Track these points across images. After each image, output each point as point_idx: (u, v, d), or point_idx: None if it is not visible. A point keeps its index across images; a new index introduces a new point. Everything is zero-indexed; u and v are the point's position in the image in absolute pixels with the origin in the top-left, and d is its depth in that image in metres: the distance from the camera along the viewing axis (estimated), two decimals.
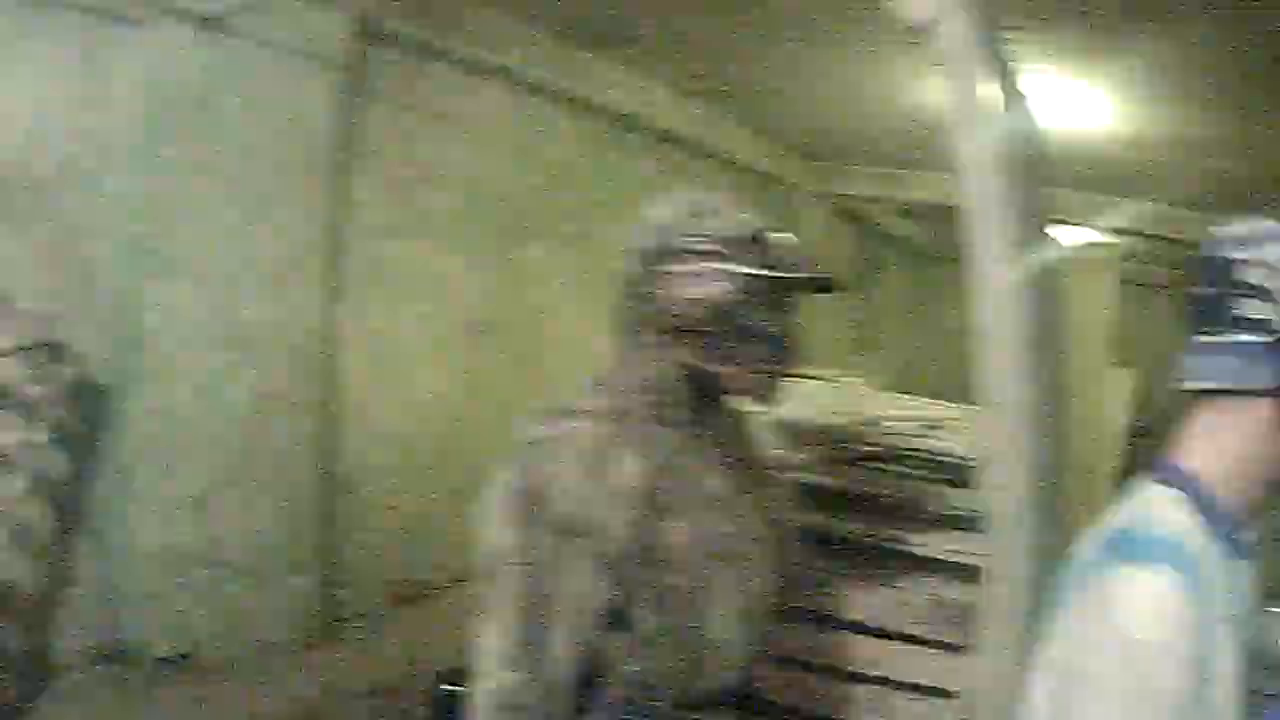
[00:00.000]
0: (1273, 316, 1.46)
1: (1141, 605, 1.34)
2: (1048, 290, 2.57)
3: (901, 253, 11.66)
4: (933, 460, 2.79)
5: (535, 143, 5.72)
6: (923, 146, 6.69)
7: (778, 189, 8.03)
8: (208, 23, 3.99)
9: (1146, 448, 7.69)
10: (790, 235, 1.96)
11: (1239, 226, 1.56)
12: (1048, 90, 5.10)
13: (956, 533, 2.63)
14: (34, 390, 1.80)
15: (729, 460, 1.96)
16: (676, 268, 1.85)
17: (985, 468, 2.53)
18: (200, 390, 4.10)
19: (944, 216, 9.55)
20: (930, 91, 5.56)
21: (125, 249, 3.99)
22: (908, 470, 2.80)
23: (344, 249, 4.58)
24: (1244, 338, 1.47)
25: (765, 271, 1.83)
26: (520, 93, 5.51)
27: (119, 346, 3.93)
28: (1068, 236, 8.05)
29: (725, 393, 1.93)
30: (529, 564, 1.72)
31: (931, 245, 11.69)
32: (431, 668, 2.13)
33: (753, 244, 1.86)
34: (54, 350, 3.75)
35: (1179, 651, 1.30)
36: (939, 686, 2.51)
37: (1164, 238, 8.39)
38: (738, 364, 1.86)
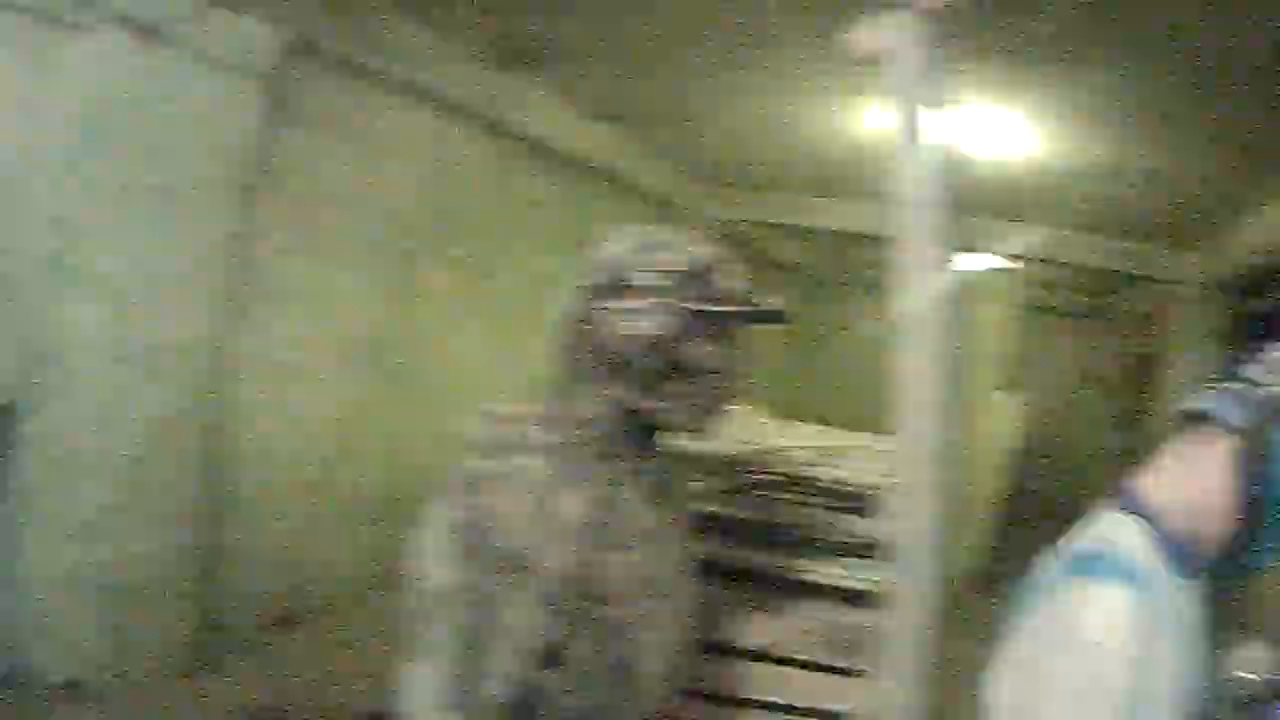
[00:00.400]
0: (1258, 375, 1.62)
1: (1097, 616, 1.50)
2: (950, 316, 2.60)
3: (789, 279, 11.67)
4: (829, 488, 2.80)
5: (443, 163, 5.64)
6: (823, 173, 6.80)
7: (671, 212, 8.02)
8: (145, 31, 3.85)
9: (1030, 471, 7.86)
10: (738, 267, 1.96)
11: None
12: (968, 118, 5.17)
13: (851, 559, 2.64)
14: None
15: (659, 493, 1.97)
16: (615, 303, 1.87)
17: (887, 494, 2.56)
18: (102, 409, 3.97)
19: (836, 243, 9.67)
20: (836, 119, 5.70)
21: (39, 262, 3.83)
22: (803, 498, 2.80)
23: (247, 266, 4.46)
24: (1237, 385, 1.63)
25: (708, 305, 1.84)
26: (436, 112, 5.42)
27: (25, 364, 3.82)
28: (969, 262, 8.19)
29: (661, 428, 1.94)
30: (469, 600, 1.75)
31: (820, 272, 11.82)
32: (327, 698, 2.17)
33: (698, 278, 1.87)
34: None
35: (1128, 655, 1.47)
36: (834, 710, 2.51)
37: (1064, 263, 8.61)
38: (674, 399, 1.87)
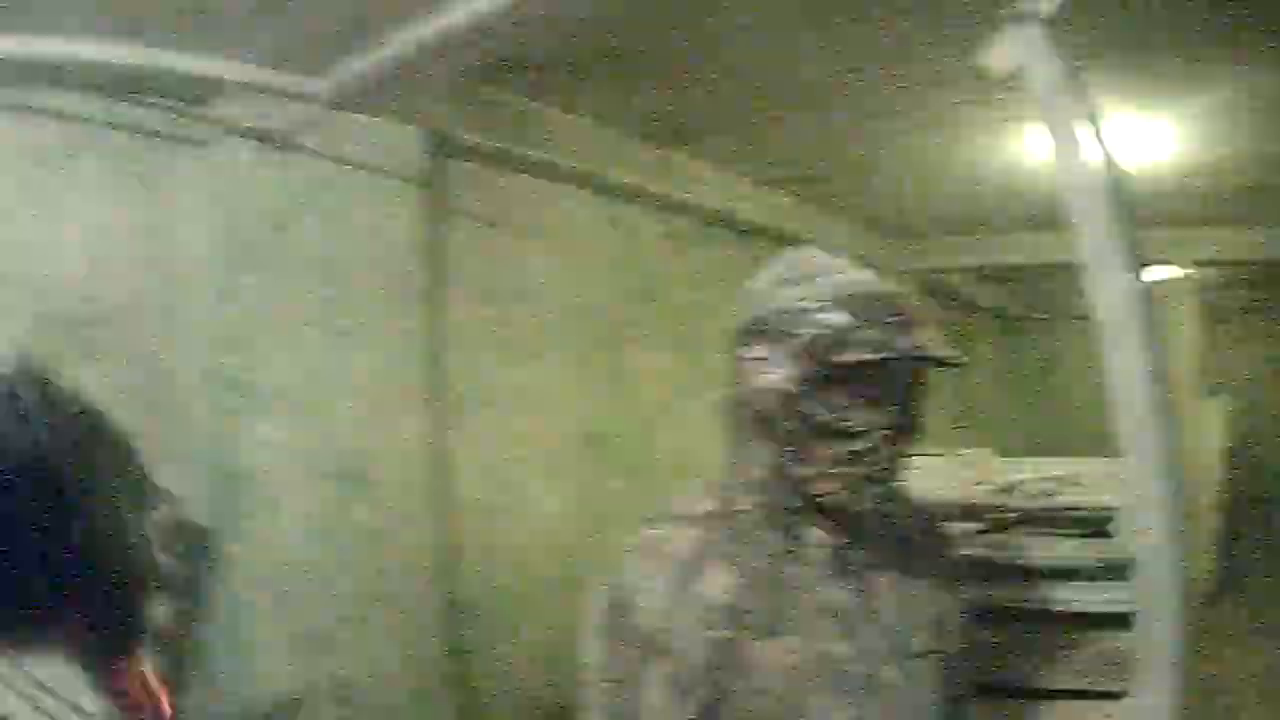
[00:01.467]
0: None
1: None
2: (1152, 329, 2.55)
3: (986, 319, 11.45)
4: (1073, 515, 2.76)
5: (623, 246, 5.69)
6: (1003, 208, 6.65)
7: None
8: (273, 141, 3.90)
9: (1245, 476, 7.57)
10: (902, 294, 1.64)
11: None
12: (1119, 127, 5.07)
13: (1106, 583, 2.60)
14: None
15: (858, 565, 1.66)
16: (748, 350, 1.64)
17: (1127, 515, 2.51)
18: (308, 525, 3.98)
19: (1030, 277, 9.36)
20: (1009, 152, 5.56)
21: (211, 382, 3.88)
22: (1048, 528, 2.78)
23: (443, 370, 4.52)
24: None
25: (852, 354, 1.51)
26: (602, 196, 5.48)
27: (218, 485, 3.85)
28: (1150, 273, 7.98)
29: (815, 498, 1.62)
30: (610, 680, 1.61)
31: (1015, 308, 11.58)
32: None
33: (835, 317, 1.55)
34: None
35: None
36: None
37: (1237, 261, 8.26)
38: (824, 465, 1.57)
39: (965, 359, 1.59)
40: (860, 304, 1.55)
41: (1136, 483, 2.47)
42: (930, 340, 1.54)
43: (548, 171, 5.05)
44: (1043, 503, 2.81)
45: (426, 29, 3.36)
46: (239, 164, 3.90)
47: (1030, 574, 2.69)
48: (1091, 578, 2.63)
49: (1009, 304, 11.37)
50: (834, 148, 5.65)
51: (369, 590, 4.11)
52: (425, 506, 4.33)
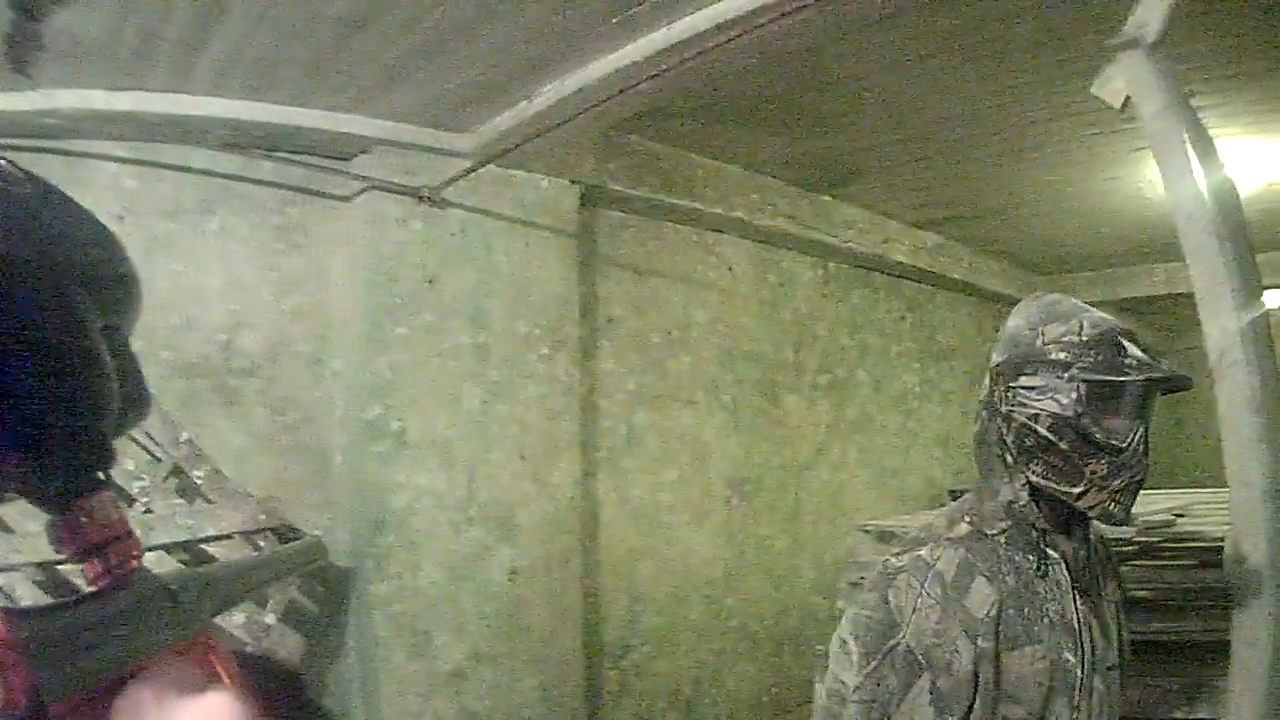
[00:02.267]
0: None
1: None
2: (1263, 357, 2.50)
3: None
4: (1188, 545, 2.73)
5: (776, 292, 5.73)
6: (1137, 239, 6.42)
7: (1007, 309, 7.83)
8: (421, 196, 4.05)
9: None
10: (1140, 333, 1.84)
11: None
12: (1236, 151, 4.87)
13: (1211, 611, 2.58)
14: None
15: (1082, 584, 1.83)
16: (1022, 381, 1.79)
17: (1231, 544, 2.47)
18: (453, 567, 4.08)
19: (1163, 307, 8.93)
20: (1139, 180, 5.40)
21: (361, 429, 3.98)
22: (1168, 560, 2.77)
23: (594, 418, 4.62)
24: None
25: (1115, 376, 1.72)
26: (753, 243, 5.54)
27: (363, 528, 3.98)
28: (1271, 299, 7.48)
29: (1079, 514, 1.81)
30: (874, 700, 1.69)
31: (1159, 339, 11.11)
32: None
33: (1102, 348, 1.75)
34: (281, 534, 3.93)
35: None
36: None
37: None
38: (1091, 482, 1.74)
39: (1194, 381, 1.78)
40: (1119, 336, 1.77)
41: (1241, 511, 2.44)
42: (1169, 367, 1.75)
43: (696, 219, 5.13)
44: (1160, 534, 2.79)
45: (571, 81, 3.51)
46: (388, 218, 4.07)
47: (1153, 604, 2.68)
48: (1200, 607, 2.61)
49: (1143, 334, 10.81)
50: (976, 187, 5.62)
51: (508, 631, 4.20)
52: (570, 550, 4.41)
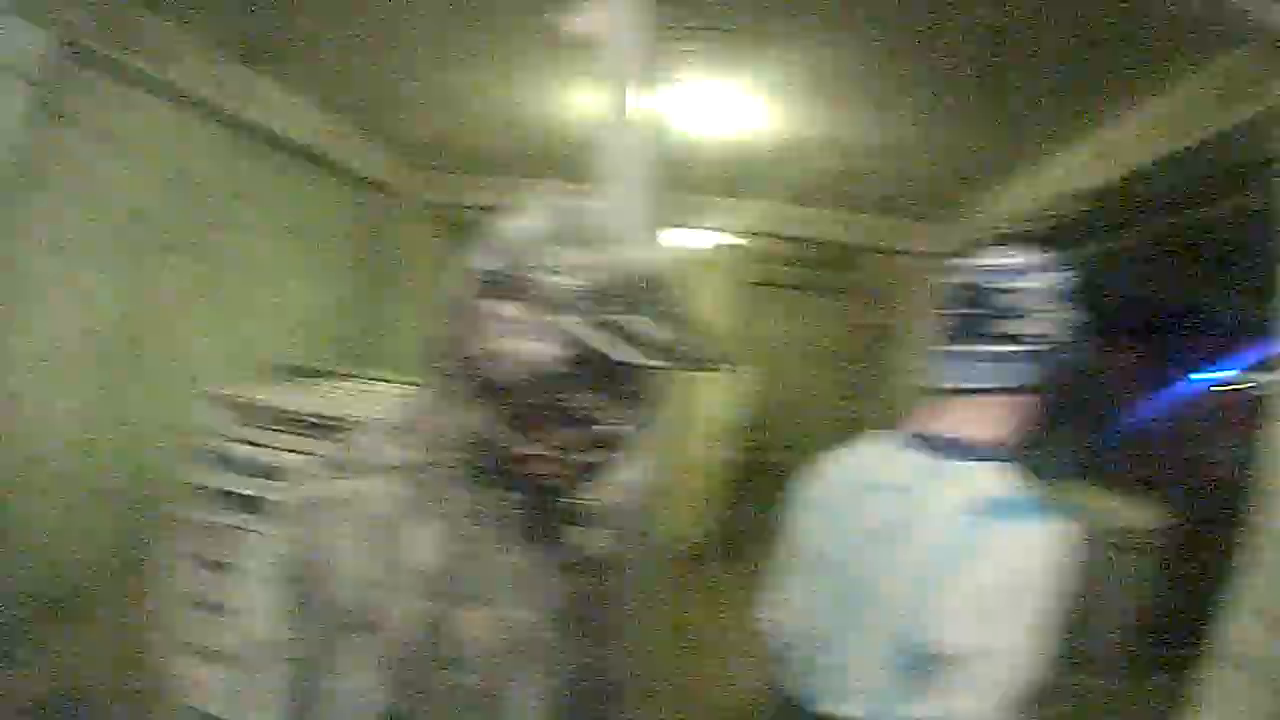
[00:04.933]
0: (1025, 331, 1.87)
1: (1054, 548, 1.76)
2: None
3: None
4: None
5: (186, 159, 5.64)
6: (546, 155, 6.77)
7: (383, 197, 8.09)
8: None
9: (761, 443, 8.17)
10: (676, 284, 1.48)
11: (997, 258, 1.96)
12: (696, 95, 5.27)
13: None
14: None
15: (536, 530, 1.58)
16: (501, 307, 1.43)
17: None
18: None
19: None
20: (558, 101, 5.78)
21: None
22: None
23: (8, 265, 4.43)
24: (1001, 348, 1.88)
25: (621, 346, 1.35)
26: (181, 108, 5.42)
27: None
28: (692, 239, 8.34)
29: (523, 473, 1.50)
30: (296, 659, 1.38)
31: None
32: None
33: (618, 303, 1.39)
34: None
35: (1071, 575, 1.76)
36: None
37: (793, 237, 8.64)
38: (548, 449, 1.46)
39: (733, 367, 1.49)
40: (649, 294, 1.41)
41: None
42: (701, 341, 1.43)
43: (142, 80, 4.98)
44: None
45: None
46: None
47: None
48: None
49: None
50: (387, 76, 5.74)
51: None
52: None
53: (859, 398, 10.19)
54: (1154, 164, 4.76)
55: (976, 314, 1.90)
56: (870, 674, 1.88)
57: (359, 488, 1.43)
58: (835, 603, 2.01)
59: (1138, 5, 3.42)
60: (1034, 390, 1.91)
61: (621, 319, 1.37)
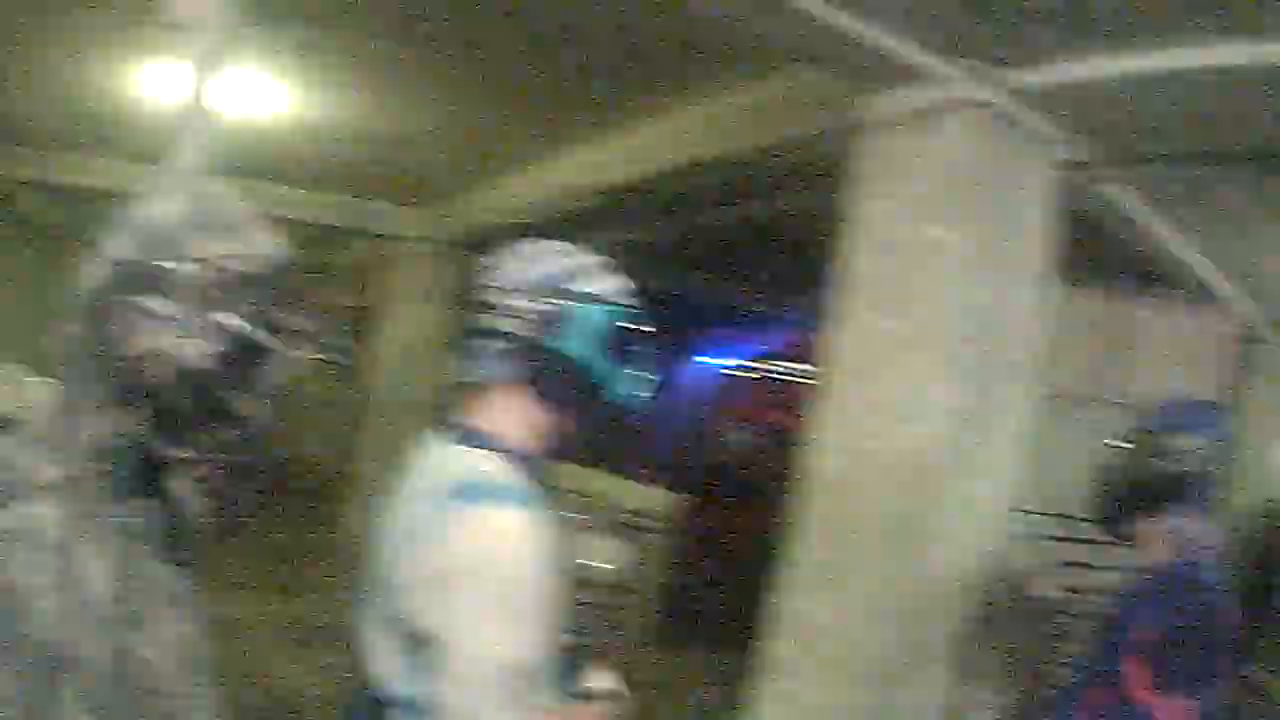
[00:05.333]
0: (510, 329, 1.81)
1: (514, 532, 1.66)
2: None
3: (28, 232, 11.01)
4: None
5: None
6: (84, 129, 6.57)
7: None
8: None
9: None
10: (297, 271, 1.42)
11: (492, 253, 1.93)
12: (241, 83, 5.24)
13: None
14: None
15: (173, 545, 1.44)
16: (146, 299, 1.29)
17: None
18: None
19: (86, 198, 9.07)
20: (101, 76, 5.53)
21: None
22: None
23: None
24: (489, 342, 1.83)
25: (263, 336, 1.32)
26: None
27: None
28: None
29: (173, 479, 1.41)
30: (18, 708, 1.17)
31: (62, 226, 11.05)
32: None
33: (249, 290, 1.33)
34: None
35: (539, 559, 1.68)
36: None
37: (281, 218, 8.64)
38: (197, 449, 1.35)
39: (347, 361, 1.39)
40: (279, 285, 1.37)
41: None
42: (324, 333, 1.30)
43: None
44: None
45: None
46: None
47: None
48: None
49: (55, 219, 10.93)
50: None
51: None
52: None
53: (349, 378, 10.10)
54: (689, 165, 5.14)
55: (474, 308, 1.88)
56: (384, 655, 1.82)
57: (28, 513, 1.24)
58: (366, 587, 2.00)
59: (684, 17, 3.58)
60: (531, 382, 1.84)
61: (270, 311, 1.34)
